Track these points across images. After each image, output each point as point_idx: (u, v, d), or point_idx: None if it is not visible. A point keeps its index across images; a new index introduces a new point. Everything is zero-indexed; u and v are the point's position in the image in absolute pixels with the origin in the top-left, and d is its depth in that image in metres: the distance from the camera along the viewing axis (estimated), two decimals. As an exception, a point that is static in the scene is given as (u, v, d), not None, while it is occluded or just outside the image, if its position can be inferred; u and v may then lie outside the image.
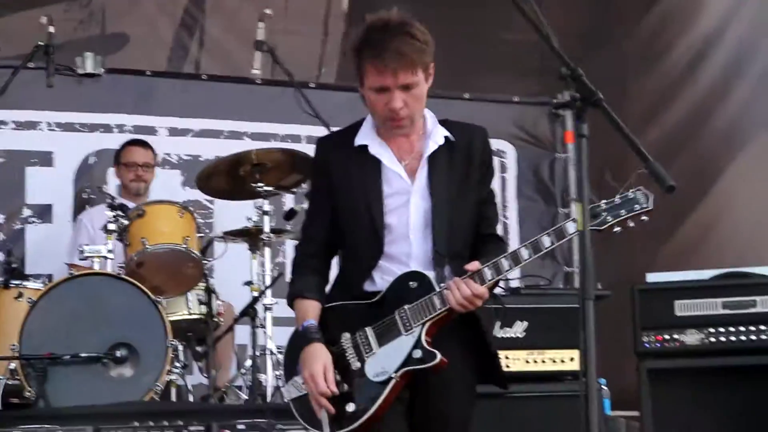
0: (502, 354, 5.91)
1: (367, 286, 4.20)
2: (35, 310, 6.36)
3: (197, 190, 7.52)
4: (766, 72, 10.11)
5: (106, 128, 8.44)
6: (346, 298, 4.23)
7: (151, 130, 8.50)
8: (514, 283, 6.45)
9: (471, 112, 9.31)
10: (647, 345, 6.06)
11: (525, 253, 4.11)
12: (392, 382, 4.05)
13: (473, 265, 4.09)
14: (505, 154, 9.43)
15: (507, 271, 4.12)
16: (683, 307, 6.04)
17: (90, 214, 7.83)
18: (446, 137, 4.25)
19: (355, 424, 4.03)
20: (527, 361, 6.06)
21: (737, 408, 5.99)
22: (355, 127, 4.32)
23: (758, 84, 10.10)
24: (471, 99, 9.37)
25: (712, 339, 6.00)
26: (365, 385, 4.08)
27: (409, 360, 4.06)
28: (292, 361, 4.25)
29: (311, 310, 4.22)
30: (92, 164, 8.40)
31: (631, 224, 4.14)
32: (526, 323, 6.05)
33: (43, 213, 8.24)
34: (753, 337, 5.97)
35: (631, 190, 4.14)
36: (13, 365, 6.35)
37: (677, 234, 9.78)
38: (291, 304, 4.28)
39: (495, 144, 9.14)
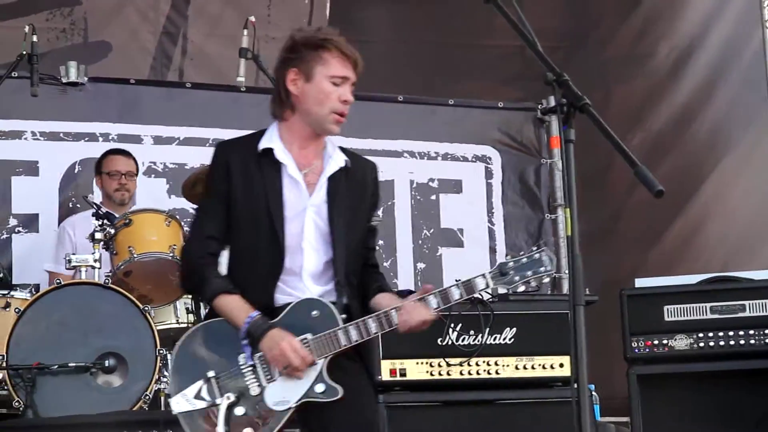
0: (492, 360, 6.04)
1: (268, 299, 4.27)
2: (23, 320, 6.37)
3: (183, 199, 7.52)
4: (748, 74, 10.19)
5: (91, 137, 8.42)
6: None
7: (137, 139, 8.48)
8: (502, 290, 6.48)
9: (456, 118, 9.39)
10: (637, 350, 6.10)
11: (480, 283, 4.28)
12: (291, 411, 4.16)
13: (427, 288, 4.26)
14: (491, 159, 9.44)
15: (456, 300, 4.27)
16: (672, 312, 6.08)
17: (72, 222, 7.84)
18: (345, 162, 4.40)
19: None
20: (517, 368, 6.07)
21: (727, 412, 6.02)
22: (257, 134, 4.42)
23: (741, 86, 10.18)
24: (456, 105, 9.40)
25: (701, 344, 6.04)
26: (263, 410, 4.15)
27: (310, 392, 4.16)
28: (184, 368, 4.26)
29: (245, 303, 4.21)
30: (78, 173, 8.37)
31: (533, 283, 4.35)
32: (514, 329, 6.07)
33: (30, 222, 8.23)
34: (742, 342, 6.02)
35: (536, 251, 4.33)
36: (0, 375, 6.38)
37: (663, 238, 9.84)
38: (211, 301, 4.26)
39: (481, 150, 9.35)
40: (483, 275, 4.26)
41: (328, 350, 4.17)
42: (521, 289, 4.32)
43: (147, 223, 7.05)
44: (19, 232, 8.20)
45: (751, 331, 6.02)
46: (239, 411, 4.14)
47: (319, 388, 4.16)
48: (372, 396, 4.43)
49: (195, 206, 7.95)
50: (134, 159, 8.01)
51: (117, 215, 7.18)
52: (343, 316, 4.24)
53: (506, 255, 4.34)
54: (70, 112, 8.44)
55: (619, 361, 6.35)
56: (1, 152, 8.21)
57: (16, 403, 6.21)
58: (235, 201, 4.28)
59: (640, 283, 6.36)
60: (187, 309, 7.15)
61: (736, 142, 10.23)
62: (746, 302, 6.06)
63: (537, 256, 4.31)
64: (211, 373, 4.18)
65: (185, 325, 7.13)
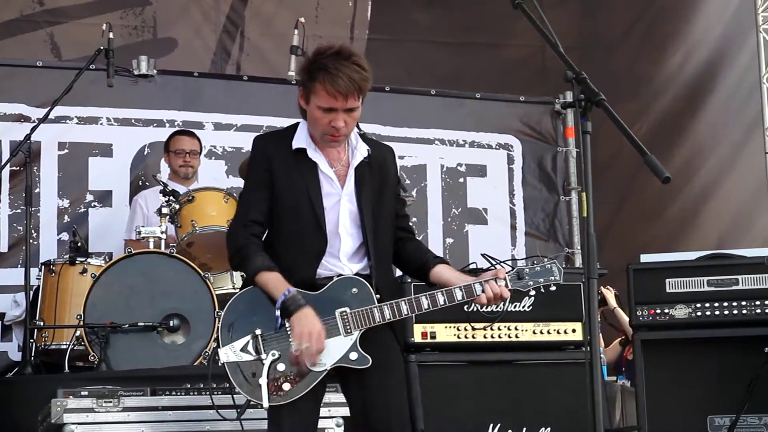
0: (512, 326, 6.05)
1: (314, 273, 4.24)
2: (98, 284, 6.42)
3: (240, 179, 7.54)
4: (744, 72, 10.19)
5: (159, 123, 8.47)
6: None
7: (199, 125, 8.50)
8: (521, 263, 6.46)
9: (482, 110, 9.38)
10: (641, 318, 6.10)
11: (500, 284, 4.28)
12: (325, 373, 4.16)
13: (501, 272, 4.29)
14: (513, 147, 9.43)
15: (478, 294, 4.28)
16: (673, 285, 6.07)
17: (144, 196, 7.85)
18: (368, 151, 4.36)
19: (288, 401, 4.12)
20: (534, 332, 6.07)
21: (720, 374, 6.03)
22: (289, 131, 4.36)
23: (737, 82, 10.20)
24: (482, 98, 9.40)
25: (699, 313, 6.04)
26: (301, 370, 4.13)
27: (344, 359, 4.18)
28: (233, 324, 4.23)
29: (283, 280, 4.18)
30: (147, 155, 8.41)
31: (542, 289, 4.38)
32: (532, 298, 6.06)
33: (104, 198, 8.27)
34: (735, 312, 6.01)
35: (549, 263, 4.38)
36: (78, 333, 6.43)
37: (665, 219, 9.86)
38: (254, 277, 4.22)
39: (504, 138, 9.36)
40: (504, 278, 4.28)
41: (363, 324, 4.19)
42: (532, 293, 4.44)
43: (208, 199, 7.08)
44: (94, 206, 8.25)
45: (743, 303, 6.01)
46: (280, 367, 4.13)
47: (353, 356, 4.17)
48: (399, 355, 4.39)
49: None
50: (198, 139, 8.04)
51: (181, 192, 7.21)
52: (377, 296, 4.23)
53: (519, 261, 4.36)
54: (141, 100, 8.48)
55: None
56: (80, 136, 8.25)
57: (92, 357, 6.28)
58: (278, 191, 4.27)
59: (645, 258, 6.34)
60: (242, 276, 7.15)
61: (730, 134, 10.22)
62: (739, 276, 6.05)
63: (549, 266, 4.37)
64: (258, 331, 4.16)
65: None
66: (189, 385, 5.46)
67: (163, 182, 7.20)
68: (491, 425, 5.97)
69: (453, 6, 9.85)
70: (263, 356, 4.14)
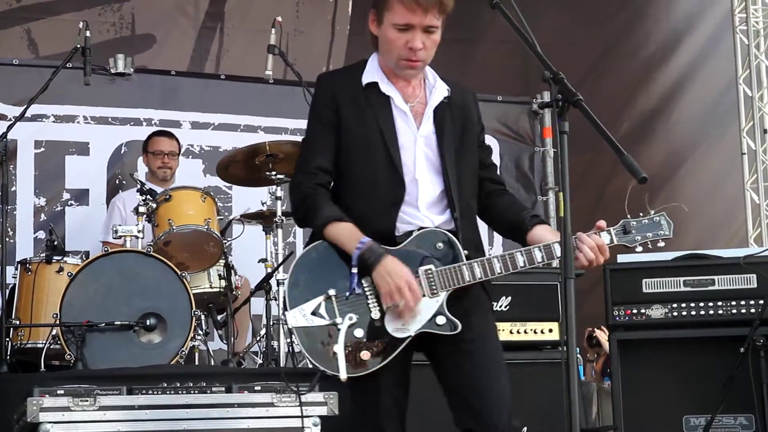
0: (488, 325, 6.03)
1: (393, 225, 3.80)
2: (74, 283, 6.38)
3: (217, 177, 7.53)
4: (718, 78, 10.24)
5: (136, 122, 8.47)
6: None
7: (176, 124, 8.51)
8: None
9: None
10: (618, 318, 6.12)
11: (605, 238, 3.89)
12: (408, 339, 3.72)
13: (602, 223, 3.89)
14: (490, 147, 9.45)
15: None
16: (650, 285, 6.10)
17: (122, 198, 7.85)
18: (448, 91, 3.97)
19: (368, 371, 3.69)
20: (511, 332, 6.09)
21: (695, 374, 6.05)
22: (358, 66, 3.95)
23: (715, 82, 10.25)
24: (459, 97, 9.39)
25: (675, 313, 6.07)
26: (382, 335, 3.70)
27: (430, 324, 3.73)
28: (302, 284, 3.76)
29: (357, 230, 3.71)
30: (124, 153, 8.42)
31: (650, 245, 3.96)
32: (509, 298, 6.08)
33: (81, 196, 8.28)
34: (711, 312, 6.04)
35: (656, 215, 4.00)
36: (54, 331, 6.40)
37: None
38: (323, 229, 3.75)
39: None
40: (608, 231, 3.86)
41: (450, 284, 3.73)
42: (639, 249, 3.92)
43: (185, 198, 7.06)
44: (71, 205, 8.25)
45: (719, 303, 6.04)
46: (358, 333, 3.67)
47: (440, 320, 3.71)
48: (496, 333, 3.98)
49: (227, 184, 8.08)
50: (177, 140, 8.03)
51: (159, 191, 7.19)
52: (465, 252, 3.78)
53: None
54: (118, 99, 8.48)
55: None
56: (57, 134, 8.26)
57: (68, 356, 6.24)
58: (346, 131, 3.80)
59: (622, 258, 6.34)
60: (219, 275, 7.17)
61: (706, 135, 10.26)
62: (715, 277, 6.08)
63: (657, 219, 3.96)
64: (332, 291, 3.69)
65: (218, 290, 7.15)
66: (165, 384, 5.45)
67: (140, 181, 7.18)
68: (468, 425, 5.98)
69: (433, 4, 9.84)
70: (338, 320, 3.69)
